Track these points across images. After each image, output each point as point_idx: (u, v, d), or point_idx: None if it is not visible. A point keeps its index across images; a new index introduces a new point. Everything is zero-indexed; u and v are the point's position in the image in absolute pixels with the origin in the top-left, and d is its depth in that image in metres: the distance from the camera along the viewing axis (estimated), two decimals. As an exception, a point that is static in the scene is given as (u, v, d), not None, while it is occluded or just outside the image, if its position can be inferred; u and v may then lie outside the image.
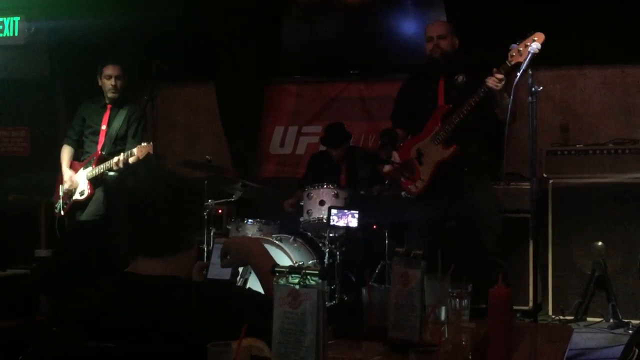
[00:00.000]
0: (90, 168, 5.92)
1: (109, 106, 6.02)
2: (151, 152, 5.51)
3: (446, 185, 4.99)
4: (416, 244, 5.16)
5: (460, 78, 5.01)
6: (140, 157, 5.50)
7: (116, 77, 5.94)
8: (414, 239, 5.19)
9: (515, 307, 5.53)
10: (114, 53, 6.14)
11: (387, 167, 5.25)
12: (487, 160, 5.10)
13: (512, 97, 4.34)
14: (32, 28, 7.42)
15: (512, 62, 4.57)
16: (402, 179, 5.17)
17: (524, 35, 4.52)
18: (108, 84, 5.95)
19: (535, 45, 4.42)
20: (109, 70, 5.95)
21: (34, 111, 7.68)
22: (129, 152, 5.63)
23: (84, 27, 7.07)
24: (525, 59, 4.37)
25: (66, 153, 6.13)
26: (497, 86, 4.65)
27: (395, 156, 5.15)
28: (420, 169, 5.05)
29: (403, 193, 5.16)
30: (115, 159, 5.69)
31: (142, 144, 5.58)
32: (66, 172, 6.04)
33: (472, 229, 5.04)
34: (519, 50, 4.52)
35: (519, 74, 4.43)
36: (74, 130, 6.16)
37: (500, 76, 4.63)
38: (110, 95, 5.97)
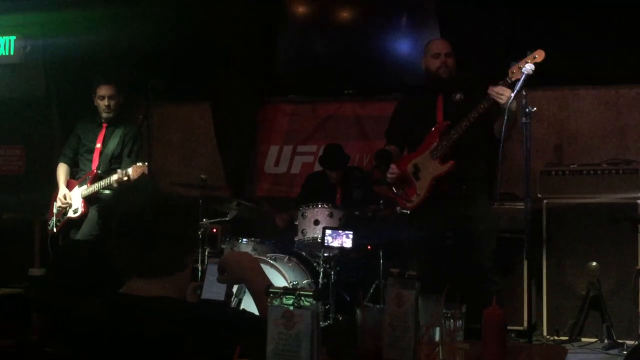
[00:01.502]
0: (85, 186, 5.91)
1: (104, 125, 6.03)
2: (146, 172, 5.50)
3: (443, 202, 4.97)
4: (411, 263, 5.16)
5: (458, 96, 4.98)
6: (135, 177, 5.50)
7: (109, 97, 5.94)
8: (409, 258, 5.16)
9: (509, 328, 5.52)
10: (107, 73, 6.14)
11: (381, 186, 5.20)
12: (484, 178, 5.07)
13: (506, 115, 4.34)
14: (27, 47, 7.43)
15: (512, 79, 4.53)
16: (396, 195, 5.15)
17: (524, 53, 4.50)
18: (102, 104, 5.96)
19: (529, 66, 4.43)
20: (102, 90, 5.96)
21: (29, 130, 7.68)
22: (124, 171, 5.62)
23: (80, 45, 7.10)
24: (520, 79, 4.39)
25: (62, 171, 6.12)
26: (500, 99, 4.53)
27: (394, 168, 5.12)
28: (416, 184, 5.02)
29: (398, 208, 5.13)
30: (111, 178, 5.69)
31: (137, 164, 5.58)
32: (62, 189, 6.04)
33: (468, 247, 5.02)
34: (519, 67, 4.49)
35: (512, 95, 4.45)
36: (70, 148, 6.17)
37: (500, 88, 4.53)
38: (104, 115, 5.98)
